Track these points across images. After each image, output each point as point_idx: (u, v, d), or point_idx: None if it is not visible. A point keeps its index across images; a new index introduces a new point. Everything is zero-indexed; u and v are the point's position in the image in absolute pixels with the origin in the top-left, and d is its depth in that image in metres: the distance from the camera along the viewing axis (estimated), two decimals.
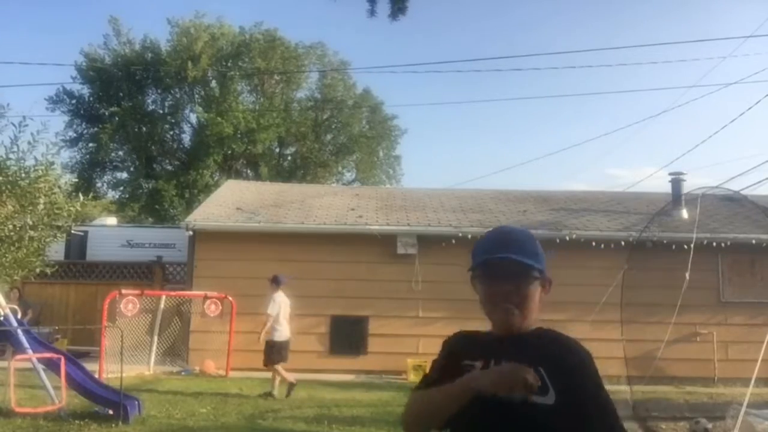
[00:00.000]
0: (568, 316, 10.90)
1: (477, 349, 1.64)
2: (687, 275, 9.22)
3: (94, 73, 30.89)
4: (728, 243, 12.71)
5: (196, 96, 32.23)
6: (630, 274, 10.21)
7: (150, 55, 31.61)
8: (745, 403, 7.28)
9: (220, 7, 64.31)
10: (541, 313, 1.68)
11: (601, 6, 57.21)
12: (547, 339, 1.62)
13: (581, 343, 1.62)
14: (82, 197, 9.65)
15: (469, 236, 12.47)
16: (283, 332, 10.07)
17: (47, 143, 9.19)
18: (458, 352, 1.68)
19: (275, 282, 10.25)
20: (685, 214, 13.34)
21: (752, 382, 7.55)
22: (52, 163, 9.34)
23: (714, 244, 12.45)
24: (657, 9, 55.58)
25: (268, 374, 10.23)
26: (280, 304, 10.11)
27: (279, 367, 9.93)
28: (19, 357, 8.09)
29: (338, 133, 35.12)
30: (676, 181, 14.18)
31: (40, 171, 9.02)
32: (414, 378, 12.20)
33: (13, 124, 8.82)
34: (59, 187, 9.93)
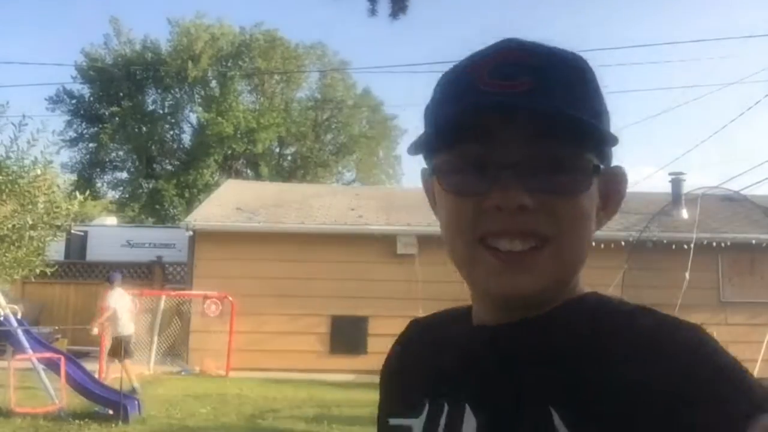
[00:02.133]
0: None
1: (432, 364, 0.80)
2: (687, 275, 9.23)
3: (95, 72, 30.91)
4: (728, 243, 12.71)
5: (197, 96, 32.23)
6: (630, 274, 10.21)
7: (150, 55, 31.61)
8: None
9: (221, 7, 64.29)
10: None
11: (599, 6, 57.25)
12: (598, 326, 0.69)
13: (707, 339, 0.68)
14: (80, 196, 9.66)
15: None
16: (126, 327, 10.18)
17: (46, 143, 9.20)
18: (397, 376, 0.86)
19: (109, 281, 10.45)
20: (685, 214, 13.33)
21: None
22: (51, 162, 9.35)
23: (714, 244, 12.45)
24: (657, 10, 55.64)
25: (269, 375, 10.25)
26: (117, 299, 10.20)
27: (127, 362, 9.84)
28: (19, 357, 8.10)
29: (338, 133, 35.12)
30: (676, 181, 14.17)
31: (39, 170, 9.02)
32: None
33: (13, 124, 8.83)
34: (58, 186, 9.95)
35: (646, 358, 0.62)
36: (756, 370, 7.60)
